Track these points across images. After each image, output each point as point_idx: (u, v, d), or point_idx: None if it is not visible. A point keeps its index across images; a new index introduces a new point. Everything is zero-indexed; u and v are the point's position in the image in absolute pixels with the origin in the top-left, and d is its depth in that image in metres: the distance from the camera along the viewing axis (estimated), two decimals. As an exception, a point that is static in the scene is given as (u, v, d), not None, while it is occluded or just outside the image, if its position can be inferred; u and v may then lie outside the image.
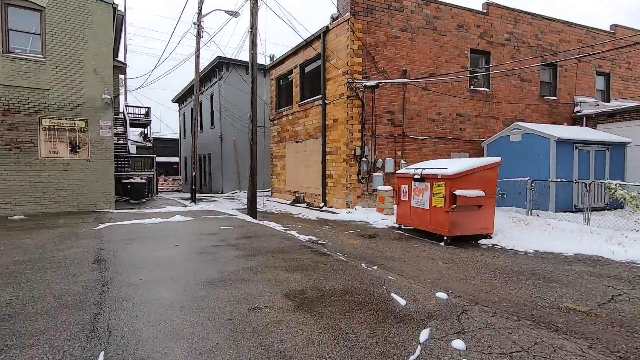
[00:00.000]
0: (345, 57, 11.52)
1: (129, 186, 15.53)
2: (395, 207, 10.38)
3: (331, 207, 12.44)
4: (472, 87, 13.32)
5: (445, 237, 7.10)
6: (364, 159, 11.57)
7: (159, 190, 31.36)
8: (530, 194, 9.80)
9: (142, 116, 26.03)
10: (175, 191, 31.99)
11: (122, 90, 32.57)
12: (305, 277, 4.23)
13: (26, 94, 10.04)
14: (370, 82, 10.65)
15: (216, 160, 24.13)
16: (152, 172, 18.57)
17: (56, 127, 10.42)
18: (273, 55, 16.78)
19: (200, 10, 15.09)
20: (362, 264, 5.12)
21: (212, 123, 25.10)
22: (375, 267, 5.05)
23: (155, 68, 31.01)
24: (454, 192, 6.91)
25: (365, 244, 7.05)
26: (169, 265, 4.61)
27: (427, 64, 12.44)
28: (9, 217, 9.27)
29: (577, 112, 15.17)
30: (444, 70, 12.71)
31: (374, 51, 11.65)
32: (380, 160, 11.84)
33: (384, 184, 11.71)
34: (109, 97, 10.89)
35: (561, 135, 10.58)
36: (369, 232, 8.40)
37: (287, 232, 8.02)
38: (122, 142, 20.95)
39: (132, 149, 21.90)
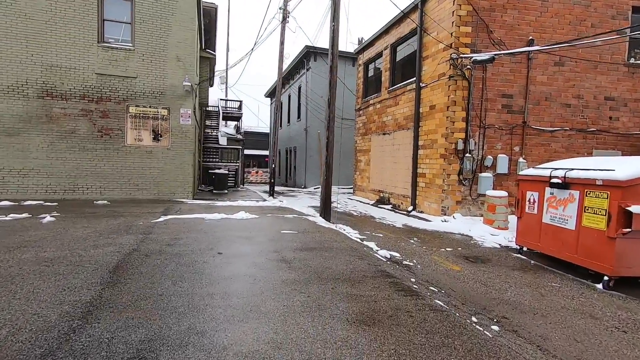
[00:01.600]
0: (449, 27, 9.22)
1: (213, 177, 15.63)
2: (511, 219, 7.85)
3: (422, 212, 10.31)
4: (632, 60, 9.66)
5: (605, 277, 4.59)
6: (467, 155, 9.16)
7: (246, 181, 32.69)
8: None
9: (235, 110, 26.99)
10: (263, 183, 32.93)
11: (219, 82, 34.58)
12: (375, 343, 2.53)
13: (116, 82, 10.27)
14: (483, 55, 8.23)
15: (301, 153, 23.58)
16: (237, 164, 18.66)
17: (141, 115, 10.50)
18: (362, 38, 15.09)
19: (286, -6, 14.21)
20: (473, 319, 3.18)
21: (299, 116, 24.61)
22: (495, 328, 3.07)
23: (246, 57, 31.94)
24: (628, 208, 4.36)
25: (472, 273, 4.97)
26: (187, 296, 3.37)
27: (564, 31, 9.33)
28: (95, 202, 9.54)
29: None
30: (590, 38, 9.39)
31: (489, 18, 9.09)
32: (489, 157, 9.28)
33: (494, 188, 9.13)
34: (189, 84, 10.59)
35: None
36: (475, 253, 6.20)
37: (364, 243, 6.34)
38: (214, 133, 21.76)
39: (223, 141, 22.64)
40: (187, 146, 10.95)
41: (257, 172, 36.83)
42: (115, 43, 10.29)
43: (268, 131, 39.46)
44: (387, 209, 11.77)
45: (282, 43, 14.48)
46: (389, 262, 5.00)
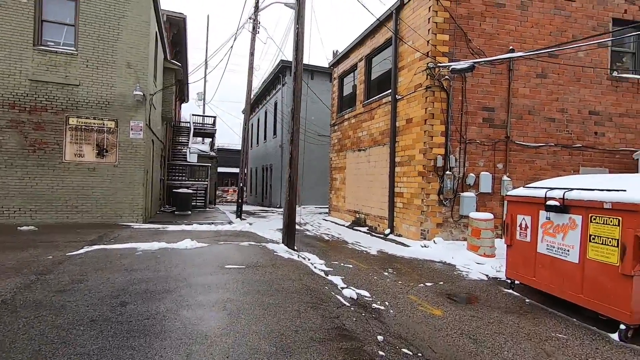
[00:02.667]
0: (425, 34, 8.54)
1: (176, 196, 14.32)
2: (498, 243, 6.95)
3: (399, 235, 9.34)
4: (615, 74, 9.20)
5: (622, 326, 3.64)
6: (448, 172, 8.32)
7: (222, 200, 31.21)
8: None
9: (209, 126, 25.82)
10: (235, 202, 31.51)
11: (196, 98, 33.38)
12: None
13: (54, 90, 9.04)
14: (462, 64, 7.50)
15: (277, 171, 22.49)
16: (205, 182, 17.37)
17: (83, 127, 9.26)
18: (337, 50, 14.42)
19: (257, 3, 13.47)
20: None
21: (275, 132, 23.66)
22: None
23: (214, 70, 31.07)
24: (647, 239, 3.48)
25: (457, 320, 3.93)
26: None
27: (545, 42, 8.80)
28: (19, 227, 8.11)
29: None
30: (571, 50, 8.89)
31: (467, 26, 8.47)
32: (472, 175, 8.46)
33: (478, 209, 8.28)
34: (140, 93, 9.46)
35: None
36: (460, 289, 5.20)
37: (328, 278, 5.26)
38: (183, 150, 20.48)
39: (193, 158, 21.34)
40: (137, 163, 9.71)
41: (234, 191, 35.58)
42: (55, 46, 9.11)
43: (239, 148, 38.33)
44: (363, 232, 10.74)
45: (252, 54, 13.62)
46: (353, 308, 3.92)
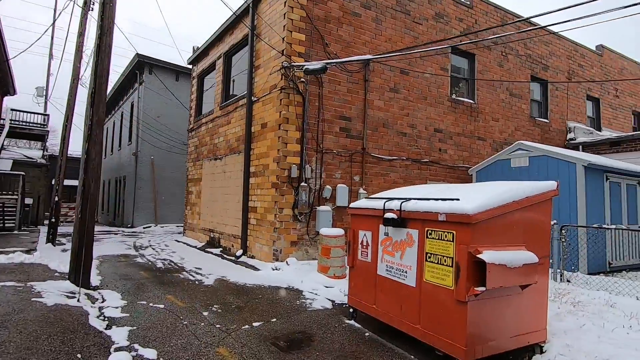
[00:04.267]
0: (281, 31, 7.70)
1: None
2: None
3: (253, 257, 8.07)
4: (454, 96, 10.00)
5: (458, 364, 3.01)
6: (303, 184, 7.49)
7: (67, 219, 25.21)
8: (560, 247, 6.15)
9: (38, 125, 20.47)
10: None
11: (35, 93, 26.64)
12: None
13: None
14: (315, 64, 6.85)
15: (130, 184, 18.96)
16: (14, 196, 13.10)
17: None
18: (198, 47, 12.73)
19: (91, -26, 10.83)
20: None
21: (130, 138, 20.11)
22: None
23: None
24: (479, 256, 2.94)
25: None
26: None
27: (397, 57, 8.97)
28: None
29: (571, 139, 12.42)
30: (419, 69, 9.31)
31: (324, 29, 7.98)
32: (328, 187, 7.83)
33: (334, 225, 7.64)
34: None
35: (590, 159, 7.26)
36: (295, 326, 4.12)
37: (105, 333, 3.56)
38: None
39: (5, 165, 16.26)
40: None
41: (72, 209, 29.40)
42: None
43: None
44: (215, 254, 9.12)
45: (81, 34, 10.82)
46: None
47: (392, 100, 8.86)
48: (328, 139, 7.94)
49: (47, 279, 5.18)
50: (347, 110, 8.22)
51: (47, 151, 22.28)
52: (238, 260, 8.12)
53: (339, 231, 6.28)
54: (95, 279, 6.07)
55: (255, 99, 8.50)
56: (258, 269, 7.18)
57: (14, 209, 13.27)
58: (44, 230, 16.27)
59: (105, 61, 5.47)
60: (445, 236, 3.20)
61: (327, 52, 7.95)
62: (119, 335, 3.58)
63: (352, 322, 4.35)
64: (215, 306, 4.76)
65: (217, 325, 4.04)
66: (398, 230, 3.73)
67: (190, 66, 13.52)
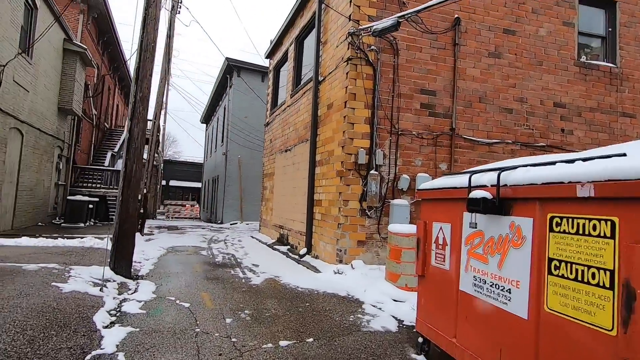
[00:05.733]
0: (348, -6, 6.58)
1: (69, 205, 11.62)
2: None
3: (317, 256, 7.06)
4: (583, 58, 7.50)
5: None
6: (373, 172, 6.18)
7: (176, 216, 28.32)
8: None
9: (149, 132, 23.15)
10: (189, 218, 28.67)
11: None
12: None
13: None
14: (384, 21, 5.52)
15: (221, 184, 19.98)
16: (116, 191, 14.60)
17: None
18: (272, 40, 12.41)
19: (178, -21, 11.41)
20: None
21: (223, 139, 21.29)
22: None
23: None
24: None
25: None
26: None
27: (498, 13, 7.03)
28: None
29: None
30: (531, 27, 7.16)
31: (401, -14, 6.58)
32: (405, 176, 6.36)
33: (412, 222, 6.13)
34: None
35: None
36: (339, 351, 2.92)
37: (98, 333, 2.88)
38: (108, 154, 17.74)
39: (119, 165, 18.58)
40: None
41: (192, 207, 33.13)
42: None
43: (202, 161, 35.58)
44: (281, 252, 8.39)
45: (169, 37, 11.45)
46: None
47: (491, 67, 6.94)
48: (405, 118, 6.48)
49: (95, 264, 4.97)
50: (430, 82, 6.64)
51: (158, 155, 25.27)
52: (301, 259, 7.20)
53: (413, 228, 4.81)
54: (146, 267, 5.79)
55: (322, 78, 7.52)
56: (319, 271, 6.12)
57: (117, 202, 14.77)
58: (148, 223, 18.09)
59: (152, 34, 5.10)
60: (594, 228, 1.63)
61: (404, 10, 6.51)
62: (112, 338, 2.87)
63: (420, 358, 2.93)
64: (246, 312, 3.83)
65: (233, 339, 3.07)
66: (494, 220, 2.23)
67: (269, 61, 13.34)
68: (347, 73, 6.38)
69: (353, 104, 6.30)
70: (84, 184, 14.43)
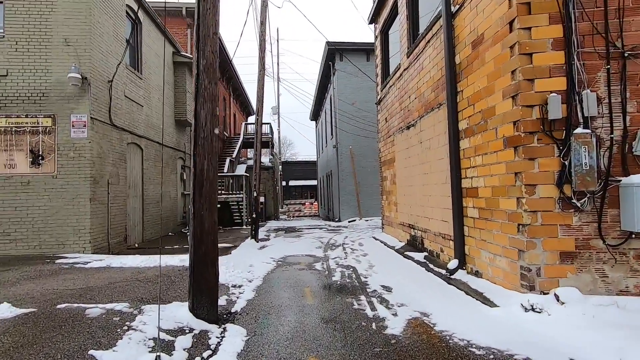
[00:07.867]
0: None
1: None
2: None
3: (478, 273, 4.65)
4: None
5: None
6: (581, 131, 3.48)
7: (294, 215, 28.95)
8: None
9: (264, 134, 23.65)
10: (309, 216, 28.76)
11: (270, 112, 32.08)
12: None
13: (-23, 85, 7.06)
14: None
15: (335, 179, 18.75)
16: (239, 195, 14.55)
17: (13, 129, 7.07)
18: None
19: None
20: None
21: (332, 132, 20.04)
22: None
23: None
24: None
25: None
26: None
27: None
28: None
29: None
30: None
31: None
32: (648, 131, 3.45)
33: (679, 215, 3.20)
34: (77, 75, 6.93)
35: None
36: None
37: None
38: (232, 162, 18.36)
39: (240, 170, 19.06)
40: (81, 171, 7.12)
41: (311, 204, 34.01)
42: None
43: (316, 159, 35.50)
44: (416, 261, 6.22)
45: (262, 23, 10.42)
46: None
47: None
48: (636, 25, 3.55)
49: (179, 297, 3.76)
50: (683, -51, 3.51)
51: (274, 157, 25.81)
52: (451, 277, 4.91)
53: None
54: (245, 296, 4.40)
55: (457, 6, 5.03)
56: (492, 303, 3.77)
57: (238, 206, 14.71)
58: (269, 224, 18.09)
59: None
60: None
61: None
62: None
63: None
64: None
65: None
66: None
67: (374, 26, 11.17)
68: (508, -27, 3.80)
69: (527, 20, 3.70)
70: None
